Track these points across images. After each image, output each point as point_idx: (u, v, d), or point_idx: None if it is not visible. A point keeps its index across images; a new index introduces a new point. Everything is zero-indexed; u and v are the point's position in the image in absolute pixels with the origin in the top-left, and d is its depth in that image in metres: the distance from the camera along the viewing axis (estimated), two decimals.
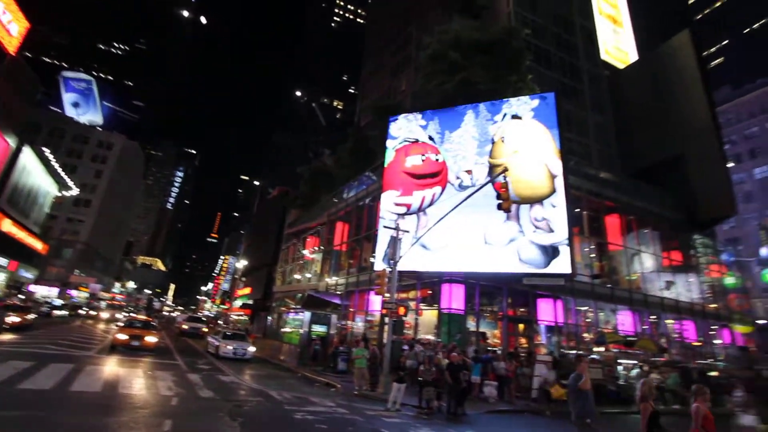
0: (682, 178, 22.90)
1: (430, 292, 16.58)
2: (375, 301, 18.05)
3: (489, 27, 20.59)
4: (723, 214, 23.71)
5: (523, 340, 16.61)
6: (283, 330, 23.86)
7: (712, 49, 78.00)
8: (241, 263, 56.85)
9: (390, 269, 13.02)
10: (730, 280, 24.45)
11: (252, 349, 17.33)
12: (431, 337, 15.31)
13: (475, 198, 12.40)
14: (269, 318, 34.18)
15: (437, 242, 15.12)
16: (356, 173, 23.62)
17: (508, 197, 10.86)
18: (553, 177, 14.95)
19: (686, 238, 22.81)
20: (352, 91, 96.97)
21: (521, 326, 17.25)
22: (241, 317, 46.63)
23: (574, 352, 16.18)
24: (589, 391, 6.10)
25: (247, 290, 51.21)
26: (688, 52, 25.36)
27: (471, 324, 15.88)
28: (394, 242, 13.39)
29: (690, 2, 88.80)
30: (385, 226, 15.54)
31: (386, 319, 12.51)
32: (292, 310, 23.51)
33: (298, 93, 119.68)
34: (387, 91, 34.95)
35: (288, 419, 7.66)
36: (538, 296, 16.50)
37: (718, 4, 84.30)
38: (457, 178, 16.22)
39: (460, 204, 12.40)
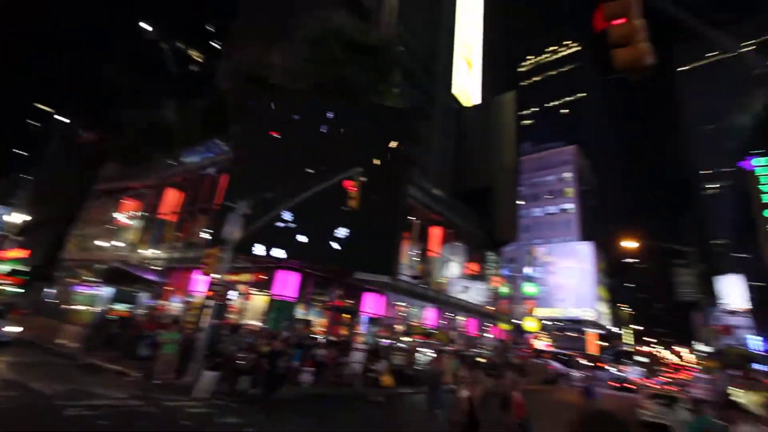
0: (488, 205, 28.66)
1: (265, 277, 16.17)
2: (199, 282, 16.50)
3: (370, 32, 21.43)
4: (510, 239, 30.67)
5: (343, 329, 17.86)
6: (68, 307, 19.31)
7: (526, 112, 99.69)
8: (18, 217, 43.39)
9: (224, 249, 12.15)
10: (504, 290, 31.80)
11: (15, 329, 13.54)
12: (257, 323, 14.96)
13: (328, 191, 12.74)
14: (50, 291, 27.18)
15: (281, 228, 14.87)
16: (204, 138, 21.11)
17: (357, 197, 11.55)
18: None
19: (482, 253, 28.62)
20: (217, 46, 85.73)
21: (346, 316, 18.52)
22: (6, 287, 35.54)
23: (388, 341, 18.42)
24: (444, 384, 6.71)
25: (21, 253, 39.39)
26: (510, 108, 32.01)
27: (301, 312, 16.20)
28: (235, 221, 12.55)
29: (520, 70, 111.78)
30: (228, 203, 14.40)
31: (210, 302, 11.62)
32: (87, 284, 19.26)
33: (148, 27, 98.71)
34: (257, 58, 32.30)
35: (55, 416, 6.32)
36: (365, 290, 18.04)
37: (536, 79, 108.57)
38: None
39: (307, 195, 12.52)
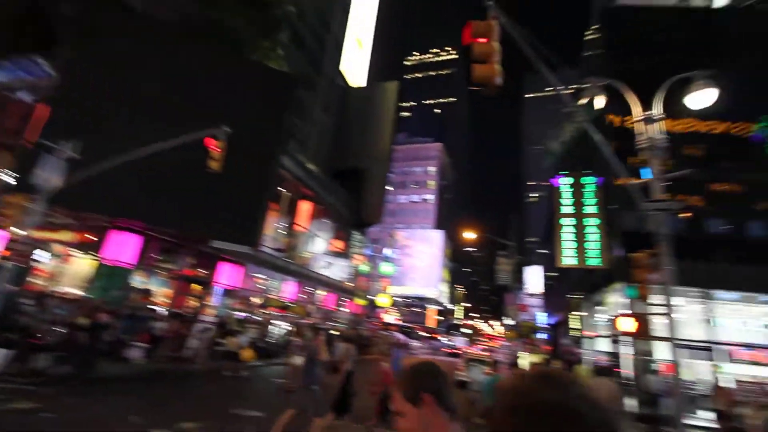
0: (360, 187, 29.77)
1: (94, 238, 13.52)
2: None
3: None
4: (375, 221, 32.57)
5: (192, 301, 16.41)
6: None
7: (405, 104, 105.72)
8: None
9: (33, 198, 9.64)
10: (364, 268, 33.84)
11: None
12: (77, 291, 12.48)
13: (185, 146, 11.23)
14: None
15: (118, 180, 12.51)
16: (15, 52, 15.98)
17: (221, 159, 10.52)
18: None
19: (349, 232, 29.75)
20: None
21: (197, 287, 17.00)
22: None
23: (242, 314, 17.67)
24: (320, 362, 6.51)
25: None
26: (392, 97, 33.51)
27: (139, 280, 14.16)
28: (54, 165, 10.02)
29: (406, 63, 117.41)
30: (47, 142, 11.36)
31: (6, 263, 9.13)
32: None
33: None
34: None
35: None
36: (222, 260, 16.82)
37: (418, 75, 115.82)
38: None
39: (159, 147, 10.84)
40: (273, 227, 19.75)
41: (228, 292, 17.57)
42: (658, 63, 16.93)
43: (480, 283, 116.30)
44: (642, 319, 6.58)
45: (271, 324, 17.83)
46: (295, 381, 6.29)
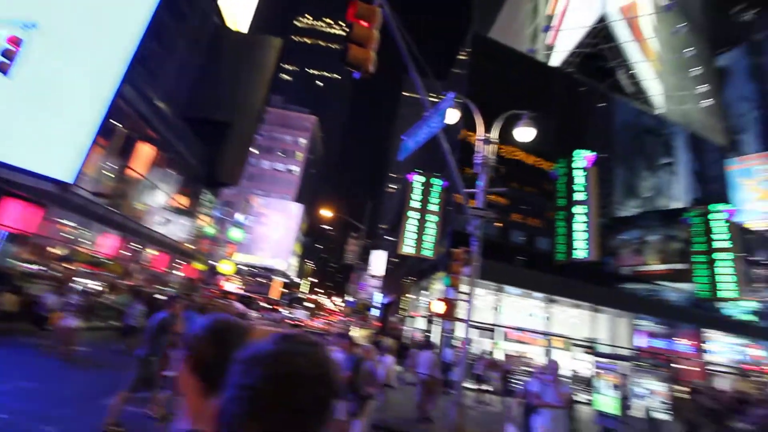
0: (220, 142, 26.91)
1: None
2: None
3: None
4: (232, 182, 30.03)
5: None
6: None
7: (288, 66, 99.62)
8: None
9: None
10: (210, 230, 31.02)
11: None
12: None
13: None
14: None
15: None
16: None
17: (12, 59, 8.06)
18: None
19: (198, 189, 26.72)
20: None
21: None
22: None
23: (33, 266, 14.04)
24: (174, 333, 5.38)
25: None
26: (274, 54, 31.05)
27: None
28: None
29: (296, 24, 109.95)
30: None
31: None
32: None
33: None
34: None
35: None
36: (11, 195, 12.99)
37: (307, 41, 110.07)
38: None
39: None
40: (97, 166, 16.23)
41: (14, 237, 13.72)
42: (505, 94, 20.41)
43: (329, 261, 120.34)
44: (450, 303, 8.01)
45: (73, 282, 14.72)
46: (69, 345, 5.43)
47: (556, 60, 29.26)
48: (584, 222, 14.22)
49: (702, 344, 21.82)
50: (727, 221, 18.25)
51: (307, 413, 0.62)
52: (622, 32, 30.70)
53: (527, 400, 5.78)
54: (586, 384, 16.05)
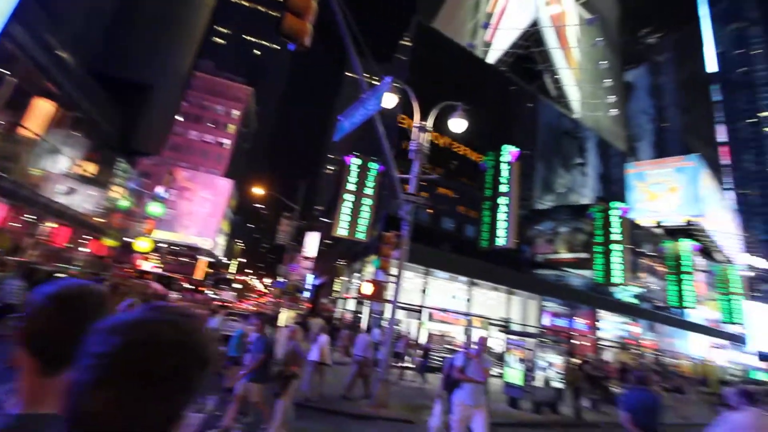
0: (140, 105, 24.15)
1: None
2: None
3: None
4: (152, 151, 27.26)
5: None
6: None
7: (222, 29, 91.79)
8: None
9: None
10: (124, 203, 28.04)
11: None
12: None
13: None
14: None
15: None
16: None
17: None
18: None
19: (110, 156, 23.87)
20: None
21: None
22: None
23: None
24: None
25: None
26: (206, 12, 28.36)
27: None
28: None
29: None
30: None
31: None
32: None
33: None
34: None
35: None
36: None
37: (246, 4, 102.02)
38: None
39: None
40: None
41: None
42: (443, 84, 21.03)
43: (261, 241, 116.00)
44: (379, 285, 8.26)
45: None
46: None
47: (492, 57, 30.73)
48: (506, 212, 15.41)
49: (596, 323, 25.15)
50: (620, 218, 21.01)
51: (164, 381, 0.59)
52: (550, 39, 33.12)
53: (451, 373, 5.88)
54: (498, 359, 17.72)
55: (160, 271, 43.89)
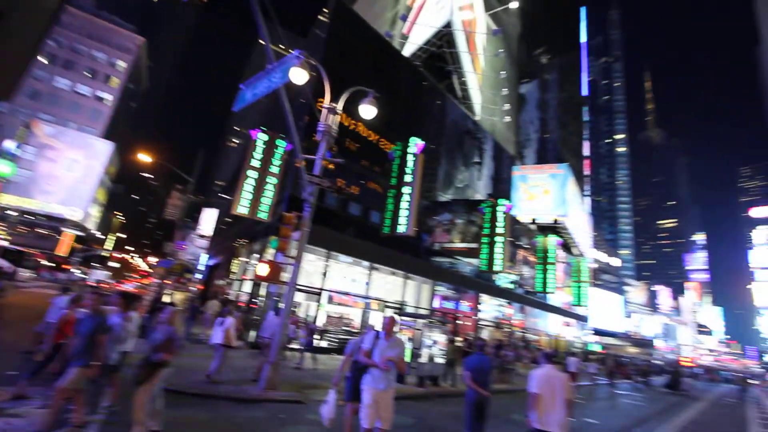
0: None
1: None
2: None
3: None
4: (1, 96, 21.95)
5: None
6: None
7: None
8: None
9: None
10: None
11: None
12: None
13: None
14: None
15: None
16: None
17: None
18: None
19: None
20: None
21: None
22: None
23: None
24: None
25: None
26: None
27: None
28: None
29: None
30: None
31: None
32: None
33: None
34: None
35: None
36: None
37: None
38: None
39: None
40: None
41: None
42: (358, 69, 21.03)
43: (148, 215, 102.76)
44: (275, 266, 8.05)
45: None
46: None
47: (408, 50, 31.60)
48: (408, 201, 16.24)
49: (478, 305, 28.27)
50: (505, 213, 23.78)
51: None
52: (461, 42, 35.36)
53: (356, 358, 5.44)
54: None
55: (6, 244, 36.15)
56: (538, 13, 54.22)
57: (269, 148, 17.07)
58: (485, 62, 39.30)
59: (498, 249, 23.13)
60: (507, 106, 43.24)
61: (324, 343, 16.90)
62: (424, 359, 12.18)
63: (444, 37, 33.69)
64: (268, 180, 16.83)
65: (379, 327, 5.54)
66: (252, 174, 16.61)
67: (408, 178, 16.63)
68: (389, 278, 21.65)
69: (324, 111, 9.31)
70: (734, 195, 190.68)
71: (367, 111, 9.77)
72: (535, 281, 32.90)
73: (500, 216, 23.89)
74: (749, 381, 46.98)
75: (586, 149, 65.89)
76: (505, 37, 43.16)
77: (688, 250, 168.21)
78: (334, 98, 9.71)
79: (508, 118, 43.40)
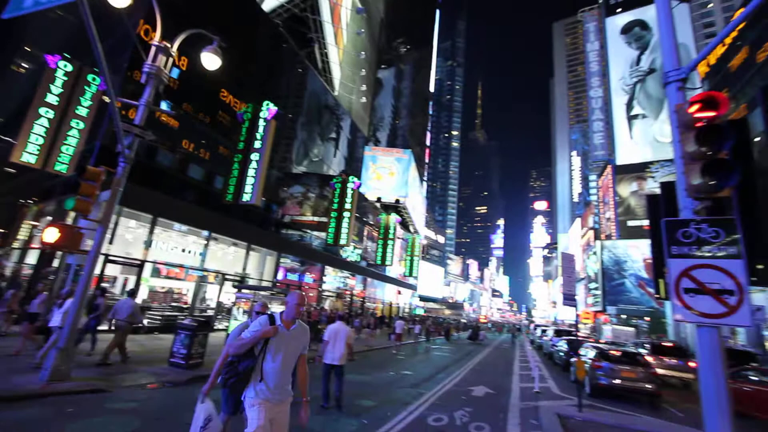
0: None
1: None
2: None
3: None
4: None
5: None
6: None
7: None
8: None
9: None
10: None
11: None
12: None
13: None
14: None
15: None
16: None
17: None
18: None
19: None
20: None
21: None
22: None
23: None
24: None
25: None
26: None
27: None
28: None
29: None
30: None
31: None
32: None
33: None
34: None
35: None
36: None
37: None
38: None
39: None
40: None
41: None
42: (207, 9, 18.31)
43: None
44: (68, 231, 6.48)
45: None
46: None
47: (268, 5, 29.06)
48: (255, 169, 15.28)
49: (323, 277, 29.17)
50: (353, 190, 24.92)
51: None
52: (325, 10, 34.50)
53: (232, 350, 3.27)
54: (227, 312, 17.78)
55: None
56: (401, 5, 57.20)
57: (76, 83, 13.44)
58: (347, 39, 39.45)
59: (345, 224, 24.16)
60: (364, 87, 44.70)
61: (145, 321, 14.72)
62: None
63: (308, 0, 32.21)
64: (72, 124, 13.31)
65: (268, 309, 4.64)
66: (46, 113, 12.85)
67: (257, 144, 15.63)
68: (230, 249, 20.21)
69: (153, 49, 7.78)
70: (526, 191, 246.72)
71: (210, 60, 8.61)
72: (376, 255, 35.85)
73: (349, 192, 24.90)
74: (519, 330, 62.96)
75: (428, 140, 74.20)
76: (369, 19, 44.11)
77: (493, 232, 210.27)
78: (170, 37, 8.19)
79: (364, 99, 44.98)
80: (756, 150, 25.38)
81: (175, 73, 16.70)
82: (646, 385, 10.48)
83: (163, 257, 16.41)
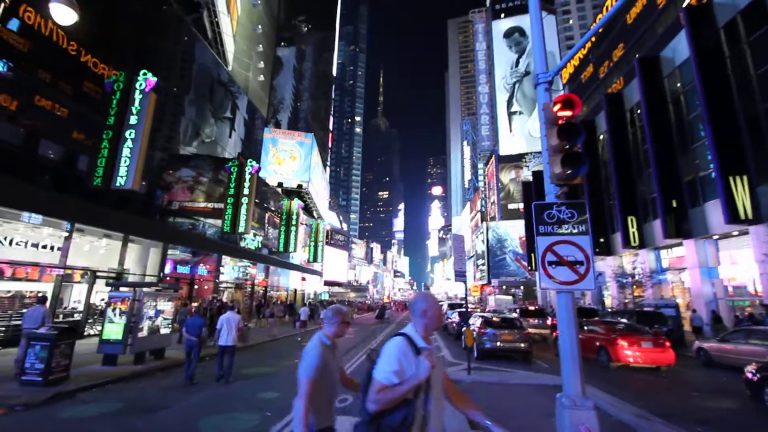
0: None
1: None
2: None
3: None
4: None
5: None
6: None
7: None
8: None
9: None
10: None
11: None
12: None
13: None
14: None
15: None
16: None
17: None
18: None
19: None
20: None
21: None
22: None
23: None
24: None
25: None
26: None
27: None
28: None
29: None
30: None
31: None
32: None
33: None
34: None
35: None
36: None
37: None
38: None
39: None
40: None
41: None
42: None
43: None
44: None
45: None
46: None
47: None
48: (130, 148, 13.28)
49: (220, 267, 27.05)
50: (252, 174, 23.45)
51: None
52: None
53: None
54: (100, 314, 15.36)
55: None
56: None
57: None
58: (242, 9, 36.27)
59: (243, 210, 22.68)
60: (262, 65, 41.89)
61: None
62: (144, 333, 10.62)
63: None
64: None
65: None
66: None
67: (133, 120, 13.59)
68: (102, 242, 17.37)
69: None
70: (424, 176, 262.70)
71: (63, 14, 7.07)
72: (279, 242, 34.55)
73: (248, 177, 23.38)
74: None
75: (330, 124, 73.25)
76: None
77: (394, 216, 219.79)
78: None
79: (262, 78, 42.21)
80: (600, 146, 31.17)
81: (14, 24, 13.33)
82: (521, 345, 12.32)
83: (5, 254, 13.32)
